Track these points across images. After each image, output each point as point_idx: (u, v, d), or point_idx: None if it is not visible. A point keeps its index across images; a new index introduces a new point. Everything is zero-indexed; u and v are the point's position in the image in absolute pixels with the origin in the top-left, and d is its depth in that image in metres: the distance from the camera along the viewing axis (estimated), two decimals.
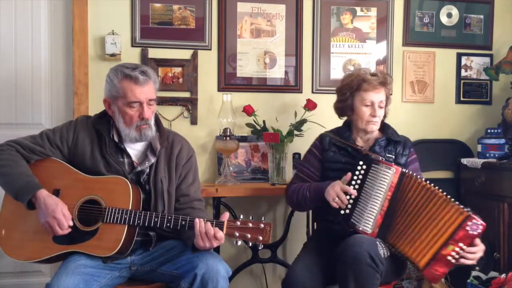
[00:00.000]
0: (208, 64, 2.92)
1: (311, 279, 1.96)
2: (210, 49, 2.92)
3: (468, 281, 2.63)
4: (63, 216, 1.81)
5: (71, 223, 1.84)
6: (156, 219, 1.86)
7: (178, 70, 2.89)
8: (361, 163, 2.03)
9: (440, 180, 3.13)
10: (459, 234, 1.86)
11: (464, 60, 3.23)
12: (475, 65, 3.24)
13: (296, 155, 2.86)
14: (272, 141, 2.72)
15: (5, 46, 2.77)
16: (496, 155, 2.91)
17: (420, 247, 1.91)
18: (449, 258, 1.87)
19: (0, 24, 2.76)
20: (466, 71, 3.24)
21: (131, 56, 2.81)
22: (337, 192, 2.01)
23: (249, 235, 1.78)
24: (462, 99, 3.23)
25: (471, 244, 1.87)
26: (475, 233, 1.85)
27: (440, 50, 3.20)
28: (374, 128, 2.17)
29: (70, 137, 2.00)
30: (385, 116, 2.27)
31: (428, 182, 1.97)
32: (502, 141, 2.92)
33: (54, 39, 2.82)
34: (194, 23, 2.90)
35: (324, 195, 2.05)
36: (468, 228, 1.85)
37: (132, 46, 2.84)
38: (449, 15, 3.19)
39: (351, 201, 2.01)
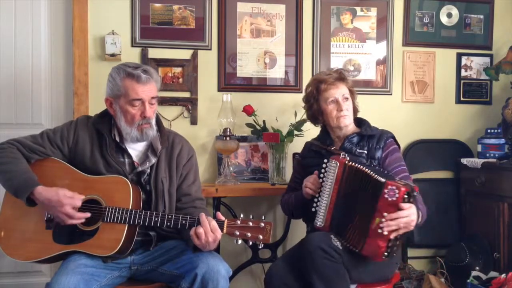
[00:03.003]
0: (208, 64, 2.92)
1: (290, 274, 2.02)
2: (210, 49, 2.92)
3: (468, 281, 2.63)
4: (69, 198, 1.81)
5: (81, 197, 1.84)
6: (156, 219, 1.86)
7: (178, 70, 2.89)
8: (325, 161, 2.07)
9: (440, 180, 3.14)
10: (380, 204, 1.82)
11: (464, 60, 3.23)
12: (475, 65, 3.24)
13: (296, 155, 2.85)
14: (272, 141, 2.72)
15: (5, 46, 2.77)
16: (496, 155, 2.91)
17: (357, 231, 1.90)
18: (379, 231, 1.82)
19: (0, 24, 2.76)
20: (466, 71, 3.24)
21: (131, 56, 2.81)
22: (305, 181, 2.10)
23: (249, 234, 1.78)
24: (462, 99, 3.23)
25: (396, 210, 1.81)
26: (394, 199, 1.80)
27: (440, 50, 3.20)
28: (346, 122, 2.18)
29: (70, 137, 2.00)
30: (357, 111, 2.29)
31: (365, 168, 1.94)
32: (502, 141, 2.92)
33: (54, 39, 2.82)
34: (194, 23, 2.90)
35: (304, 196, 2.12)
36: (386, 196, 1.81)
37: (132, 46, 2.84)
38: (449, 15, 3.19)
39: (319, 197, 2.05)
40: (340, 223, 1.98)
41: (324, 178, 2.04)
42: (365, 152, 2.14)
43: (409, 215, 1.83)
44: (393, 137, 2.23)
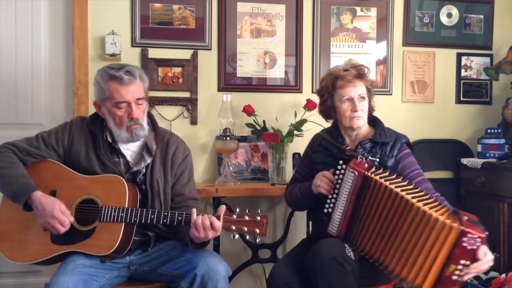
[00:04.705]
0: (208, 64, 2.92)
1: (293, 274, 1.95)
2: (210, 49, 2.92)
3: (468, 281, 2.63)
4: (62, 214, 1.81)
5: (71, 219, 1.84)
6: (152, 216, 1.85)
7: (178, 70, 2.89)
8: (341, 162, 1.95)
9: (440, 180, 3.13)
10: (457, 252, 1.66)
11: (464, 60, 3.23)
12: (475, 65, 3.24)
13: (296, 155, 2.86)
14: (272, 141, 2.72)
15: (5, 46, 2.77)
16: (496, 155, 2.90)
17: (415, 267, 1.74)
18: (454, 277, 1.68)
19: (0, 24, 2.76)
20: (466, 71, 3.24)
21: (131, 56, 2.81)
22: (319, 177, 1.98)
23: (245, 228, 1.76)
24: (462, 99, 3.23)
25: (474, 258, 1.67)
26: (474, 247, 1.65)
27: (440, 50, 3.19)
28: (360, 123, 2.05)
29: (65, 139, 2.00)
30: (372, 110, 2.16)
31: (395, 186, 1.79)
32: (502, 141, 2.91)
33: (54, 39, 2.83)
34: (194, 23, 2.90)
35: (312, 192, 2.02)
36: (465, 244, 1.65)
37: (132, 46, 2.84)
38: (449, 15, 3.19)
39: (333, 200, 1.95)
40: (362, 237, 1.87)
41: (340, 185, 1.92)
42: (377, 160, 2.02)
43: (489, 261, 1.69)
44: (407, 143, 2.11)
